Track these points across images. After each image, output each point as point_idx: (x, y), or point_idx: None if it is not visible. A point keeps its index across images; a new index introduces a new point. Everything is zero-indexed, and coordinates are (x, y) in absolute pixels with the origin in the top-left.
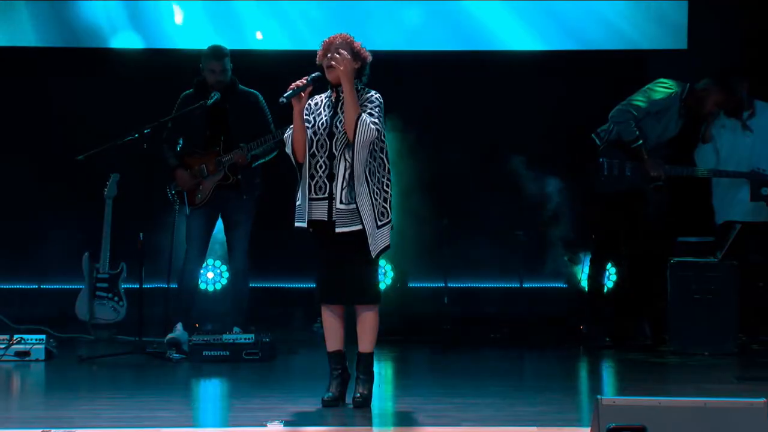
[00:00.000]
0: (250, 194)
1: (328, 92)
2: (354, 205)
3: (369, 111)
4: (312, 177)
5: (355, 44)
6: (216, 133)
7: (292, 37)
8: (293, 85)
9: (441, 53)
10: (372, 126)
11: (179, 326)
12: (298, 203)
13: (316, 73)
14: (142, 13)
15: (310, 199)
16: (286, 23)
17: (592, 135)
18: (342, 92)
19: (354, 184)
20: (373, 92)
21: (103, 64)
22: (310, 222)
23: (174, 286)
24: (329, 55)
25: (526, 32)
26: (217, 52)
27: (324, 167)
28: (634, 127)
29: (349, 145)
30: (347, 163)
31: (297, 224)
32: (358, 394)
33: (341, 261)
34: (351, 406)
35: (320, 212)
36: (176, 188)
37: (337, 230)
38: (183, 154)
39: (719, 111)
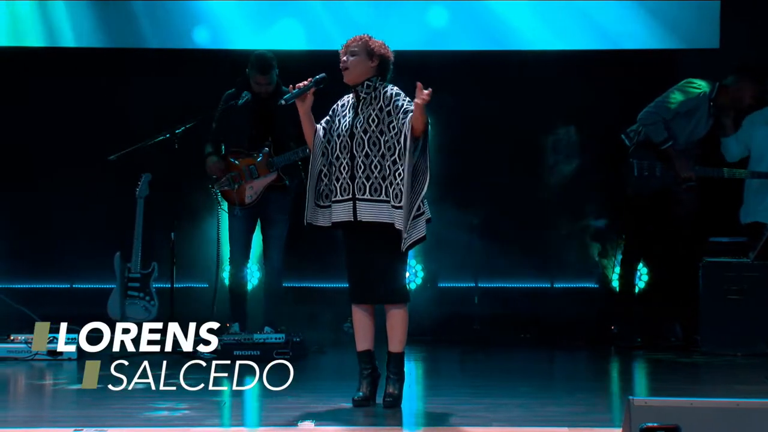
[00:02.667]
0: (290, 195)
1: (351, 94)
2: (378, 200)
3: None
4: (338, 179)
5: (372, 43)
6: (262, 134)
7: (318, 37)
8: (297, 86)
9: (470, 53)
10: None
11: (235, 327)
12: (318, 203)
13: (321, 75)
14: (168, 14)
15: (334, 202)
16: (312, 23)
17: (622, 135)
18: (362, 92)
19: (396, 183)
20: (393, 88)
21: (137, 65)
22: (335, 224)
23: (201, 285)
24: (344, 57)
25: (557, 32)
26: (262, 67)
27: (347, 168)
28: (664, 128)
29: (374, 145)
30: (370, 162)
31: (322, 224)
32: (389, 394)
33: (369, 260)
34: (381, 406)
35: (346, 213)
36: (221, 187)
37: (361, 219)
38: (228, 153)
39: (757, 103)
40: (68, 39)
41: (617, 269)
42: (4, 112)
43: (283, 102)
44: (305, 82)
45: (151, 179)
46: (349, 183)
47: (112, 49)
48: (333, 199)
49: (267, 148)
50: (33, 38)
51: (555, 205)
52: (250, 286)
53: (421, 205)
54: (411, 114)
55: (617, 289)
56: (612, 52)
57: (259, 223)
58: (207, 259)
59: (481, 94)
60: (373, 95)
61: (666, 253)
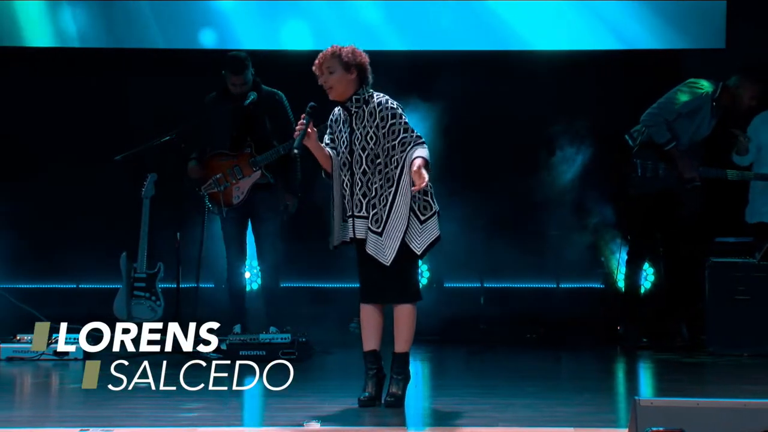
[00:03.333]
0: (277, 192)
1: (339, 107)
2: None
3: (411, 135)
4: (343, 197)
5: (345, 55)
6: (243, 134)
7: (324, 37)
8: (297, 130)
9: (474, 53)
10: (425, 149)
11: (237, 328)
12: (341, 223)
13: (310, 104)
14: (174, 15)
15: (343, 219)
16: (318, 23)
17: (626, 136)
18: (352, 107)
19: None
20: (384, 98)
21: (142, 65)
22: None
23: (207, 285)
24: (323, 78)
25: (562, 32)
26: (235, 67)
27: (348, 184)
28: (666, 129)
29: (371, 162)
30: (367, 180)
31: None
32: (391, 394)
33: (381, 265)
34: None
35: (350, 230)
36: (208, 189)
37: (367, 250)
38: (212, 155)
39: (759, 104)
40: (73, 40)
41: (622, 269)
42: (9, 112)
43: (296, 151)
44: (301, 122)
45: (157, 179)
46: (350, 199)
47: (117, 50)
48: (342, 217)
49: (249, 148)
50: (38, 39)
51: (560, 205)
52: (255, 286)
53: (432, 202)
54: (410, 149)
55: (623, 290)
56: (617, 52)
57: (250, 223)
58: (212, 260)
59: (486, 95)
60: (365, 108)
61: (671, 253)
